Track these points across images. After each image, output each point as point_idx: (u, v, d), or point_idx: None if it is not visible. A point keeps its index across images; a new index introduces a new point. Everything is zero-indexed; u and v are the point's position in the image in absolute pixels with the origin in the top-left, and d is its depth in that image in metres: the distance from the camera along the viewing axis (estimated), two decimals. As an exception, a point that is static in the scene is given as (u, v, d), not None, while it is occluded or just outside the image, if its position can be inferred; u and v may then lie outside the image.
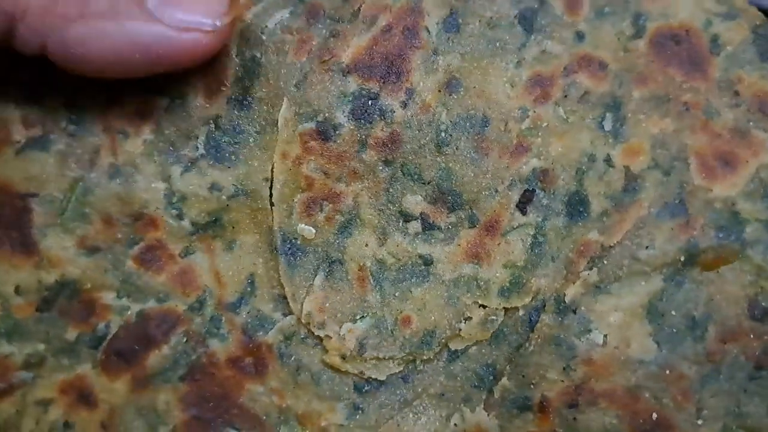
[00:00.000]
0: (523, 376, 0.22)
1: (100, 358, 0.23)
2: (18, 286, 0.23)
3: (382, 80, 0.23)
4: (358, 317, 0.23)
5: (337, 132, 0.23)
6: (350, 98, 0.23)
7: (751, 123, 0.22)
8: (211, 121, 0.24)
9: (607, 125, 0.23)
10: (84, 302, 0.23)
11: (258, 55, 0.24)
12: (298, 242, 0.23)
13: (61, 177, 0.23)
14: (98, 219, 0.23)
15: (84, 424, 0.23)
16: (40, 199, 0.23)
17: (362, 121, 0.23)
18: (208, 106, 0.24)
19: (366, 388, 0.23)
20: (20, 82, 0.24)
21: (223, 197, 0.23)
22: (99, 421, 0.23)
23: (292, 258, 0.23)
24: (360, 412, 0.23)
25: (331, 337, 0.23)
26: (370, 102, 0.23)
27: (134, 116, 0.24)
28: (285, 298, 0.23)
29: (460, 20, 0.24)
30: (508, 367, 0.22)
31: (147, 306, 0.23)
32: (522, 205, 0.23)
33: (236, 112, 0.24)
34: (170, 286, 0.23)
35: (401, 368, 0.23)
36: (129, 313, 0.23)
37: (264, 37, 0.24)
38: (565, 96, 0.23)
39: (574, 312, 0.22)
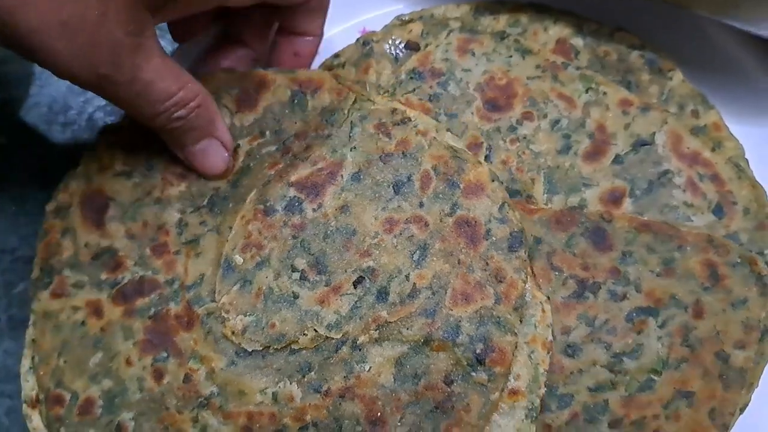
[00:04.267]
0: (323, 374, 0.38)
1: (113, 293, 0.42)
2: (87, 242, 0.43)
3: (307, 195, 0.42)
4: (248, 314, 0.40)
5: (274, 213, 0.42)
6: (287, 199, 0.42)
7: (488, 283, 0.39)
8: (216, 189, 0.43)
9: (415, 257, 0.40)
10: (117, 262, 0.42)
11: (251, 165, 0.43)
12: (233, 264, 0.42)
13: (130, 195, 0.43)
14: (141, 223, 0.43)
15: (93, 324, 0.41)
16: (115, 203, 0.43)
17: (288, 212, 0.42)
18: (217, 181, 0.43)
19: (240, 353, 0.39)
20: (124, 143, 0.44)
21: (206, 230, 0.43)
22: (100, 326, 0.41)
23: (226, 272, 0.42)
24: (234, 365, 0.39)
25: (230, 320, 0.40)
26: (296, 204, 0.42)
27: (179, 176, 0.44)
28: (215, 292, 0.41)
29: (362, 177, 0.42)
30: (317, 366, 0.39)
31: (146, 274, 0.42)
32: (355, 283, 0.40)
33: (230, 189, 0.43)
34: (162, 268, 0.42)
35: (261, 349, 0.40)
36: (136, 275, 0.42)
37: (258, 157, 0.43)
38: (400, 233, 0.41)
39: (360, 350, 0.39)
